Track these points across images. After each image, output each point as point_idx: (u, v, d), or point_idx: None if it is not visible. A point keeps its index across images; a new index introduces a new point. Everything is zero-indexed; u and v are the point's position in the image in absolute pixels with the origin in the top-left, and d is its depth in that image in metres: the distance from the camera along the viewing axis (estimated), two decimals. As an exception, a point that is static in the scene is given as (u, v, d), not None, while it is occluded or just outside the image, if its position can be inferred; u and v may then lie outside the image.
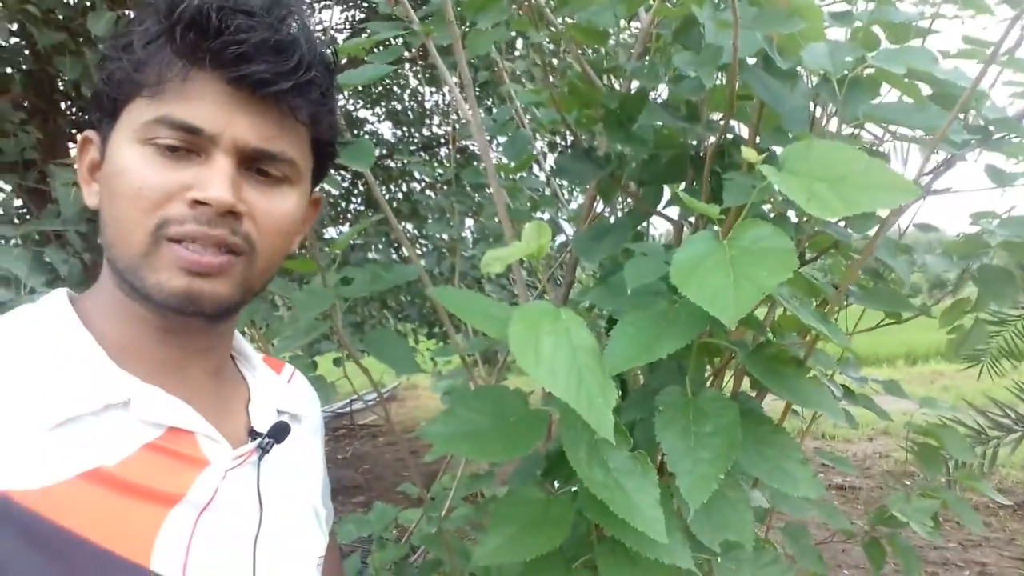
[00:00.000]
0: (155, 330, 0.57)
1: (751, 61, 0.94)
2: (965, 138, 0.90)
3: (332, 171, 0.75)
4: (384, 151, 5.81)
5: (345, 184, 5.56)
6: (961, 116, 1.07)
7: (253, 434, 0.62)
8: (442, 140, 5.91)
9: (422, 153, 6.00)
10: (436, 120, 6.08)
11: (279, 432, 0.62)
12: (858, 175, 0.67)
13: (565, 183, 1.90)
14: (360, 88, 5.28)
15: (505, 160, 1.62)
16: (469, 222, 3.50)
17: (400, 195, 5.85)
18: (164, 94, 0.52)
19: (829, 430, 7.60)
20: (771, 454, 0.85)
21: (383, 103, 5.94)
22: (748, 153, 0.75)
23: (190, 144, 0.53)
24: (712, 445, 0.77)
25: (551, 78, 1.23)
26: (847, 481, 5.95)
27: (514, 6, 1.35)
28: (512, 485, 0.96)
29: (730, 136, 1.13)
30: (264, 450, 0.60)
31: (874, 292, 0.94)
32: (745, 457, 0.84)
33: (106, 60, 0.55)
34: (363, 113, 5.98)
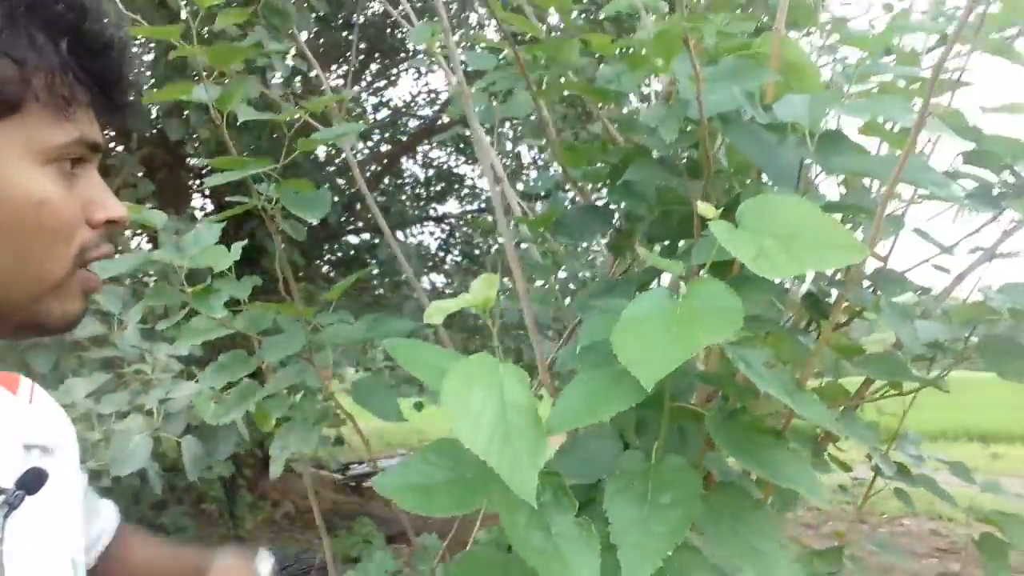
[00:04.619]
0: None
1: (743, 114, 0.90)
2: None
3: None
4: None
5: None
6: (1004, 175, 0.99)
7: None
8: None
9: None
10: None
11: (32, 481, 0.51)
12: (808, 232, 0.62)
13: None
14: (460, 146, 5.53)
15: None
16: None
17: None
18: (77, 114, 0.50)
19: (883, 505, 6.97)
20: (744, 531, 0.78)
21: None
22: (704, 208, 0.71)
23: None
24: (667, 518, 0.72)
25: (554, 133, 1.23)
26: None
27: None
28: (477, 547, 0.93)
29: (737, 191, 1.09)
30: (12, 506, 0.49)
31: (871, 357, 0.86)
32: (715, 531, 0.77)
33: None
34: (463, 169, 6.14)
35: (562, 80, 1.10)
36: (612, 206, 1.27)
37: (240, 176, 0.84)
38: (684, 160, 1.12)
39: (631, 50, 1.06)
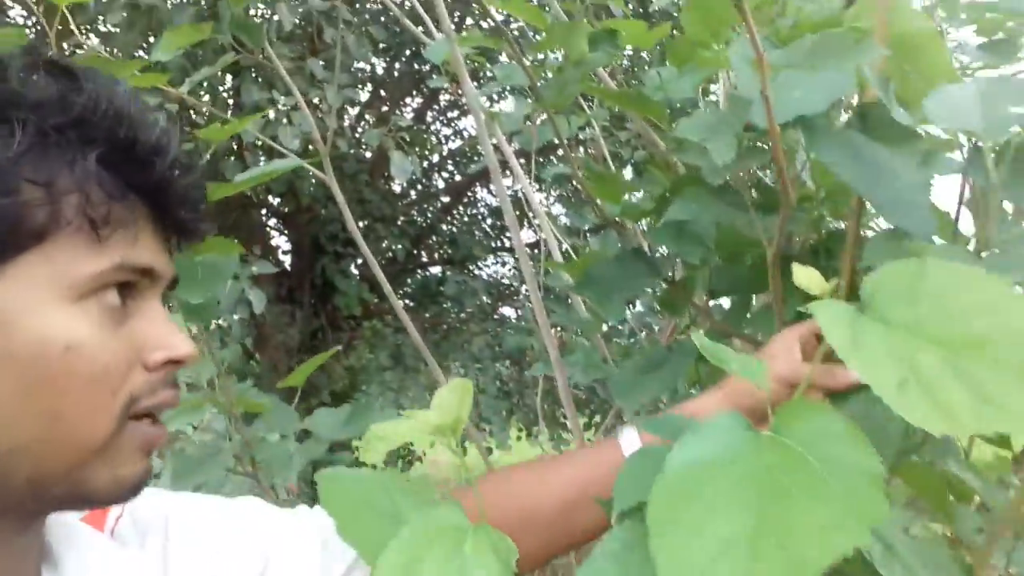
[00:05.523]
0: None
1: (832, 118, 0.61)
2: None
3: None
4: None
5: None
6: None
7: None
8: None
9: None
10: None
11: None
12: (1007, 336, 0.33)
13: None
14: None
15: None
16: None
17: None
18: (114, 236, 0.42)
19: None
20: None
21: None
22: (803, 275, 0.43)
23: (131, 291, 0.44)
24: None
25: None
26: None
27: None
28: None
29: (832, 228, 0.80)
30: None
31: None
32: None
33: None
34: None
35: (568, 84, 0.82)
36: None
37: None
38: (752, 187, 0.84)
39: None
